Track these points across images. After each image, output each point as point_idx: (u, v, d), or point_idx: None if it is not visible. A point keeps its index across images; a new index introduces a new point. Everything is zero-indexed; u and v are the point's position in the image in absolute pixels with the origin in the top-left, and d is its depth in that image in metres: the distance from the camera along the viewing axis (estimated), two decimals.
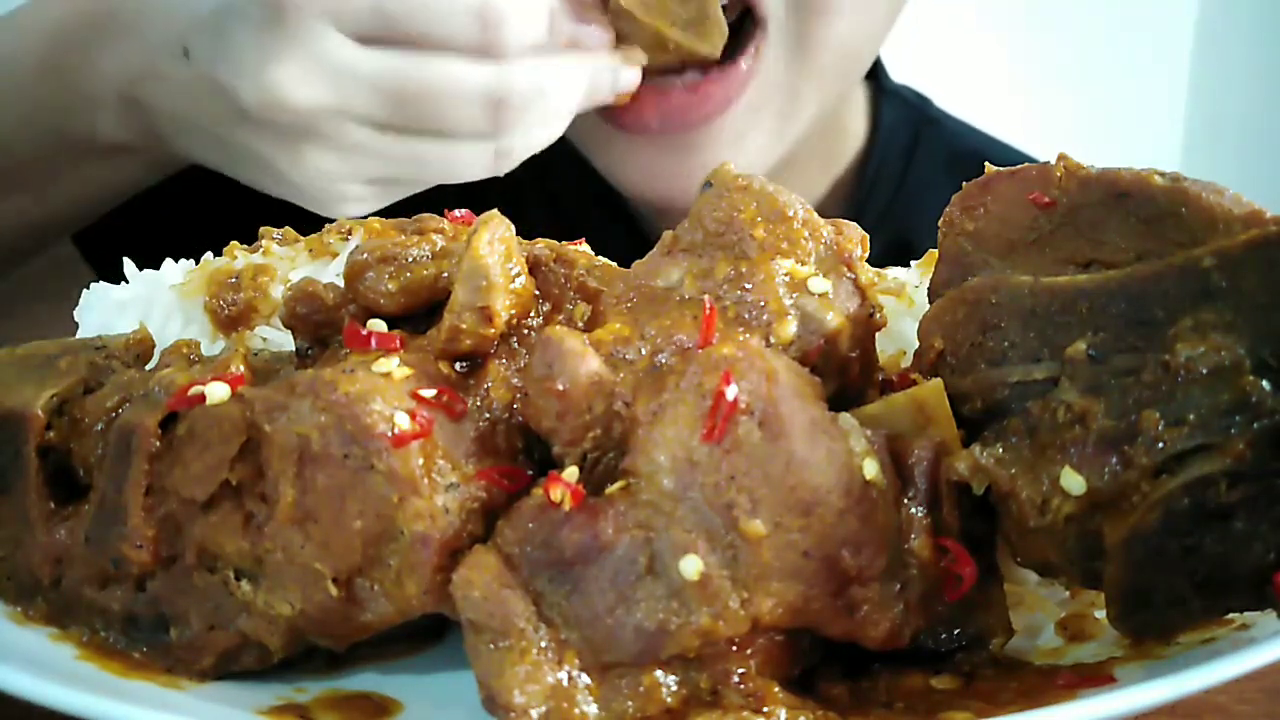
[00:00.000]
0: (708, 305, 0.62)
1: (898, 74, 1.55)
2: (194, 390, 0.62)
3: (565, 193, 1.44)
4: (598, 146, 1.26)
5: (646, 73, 1.12)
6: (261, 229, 0.87)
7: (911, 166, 1.47)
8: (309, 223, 0.89)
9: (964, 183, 0.68)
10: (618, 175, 1.27)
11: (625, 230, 1.44)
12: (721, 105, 1.16)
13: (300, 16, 0.93)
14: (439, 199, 0.97)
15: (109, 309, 0.83)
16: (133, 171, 1.21)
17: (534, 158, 1.49)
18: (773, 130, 1.22)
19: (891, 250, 0.86)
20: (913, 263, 0.80)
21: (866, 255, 0.69)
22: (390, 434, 0.58)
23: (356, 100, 0.96)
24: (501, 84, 0.98)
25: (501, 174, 1.05)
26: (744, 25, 1.16)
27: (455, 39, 0.96)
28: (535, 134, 1.04)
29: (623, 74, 1.09)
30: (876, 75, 1.52)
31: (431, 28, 0.96)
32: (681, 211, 1.18)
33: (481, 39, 0.96)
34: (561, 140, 1.41)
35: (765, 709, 0.56)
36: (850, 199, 1.46)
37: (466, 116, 0.98)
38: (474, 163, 1.02)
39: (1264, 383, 0.52)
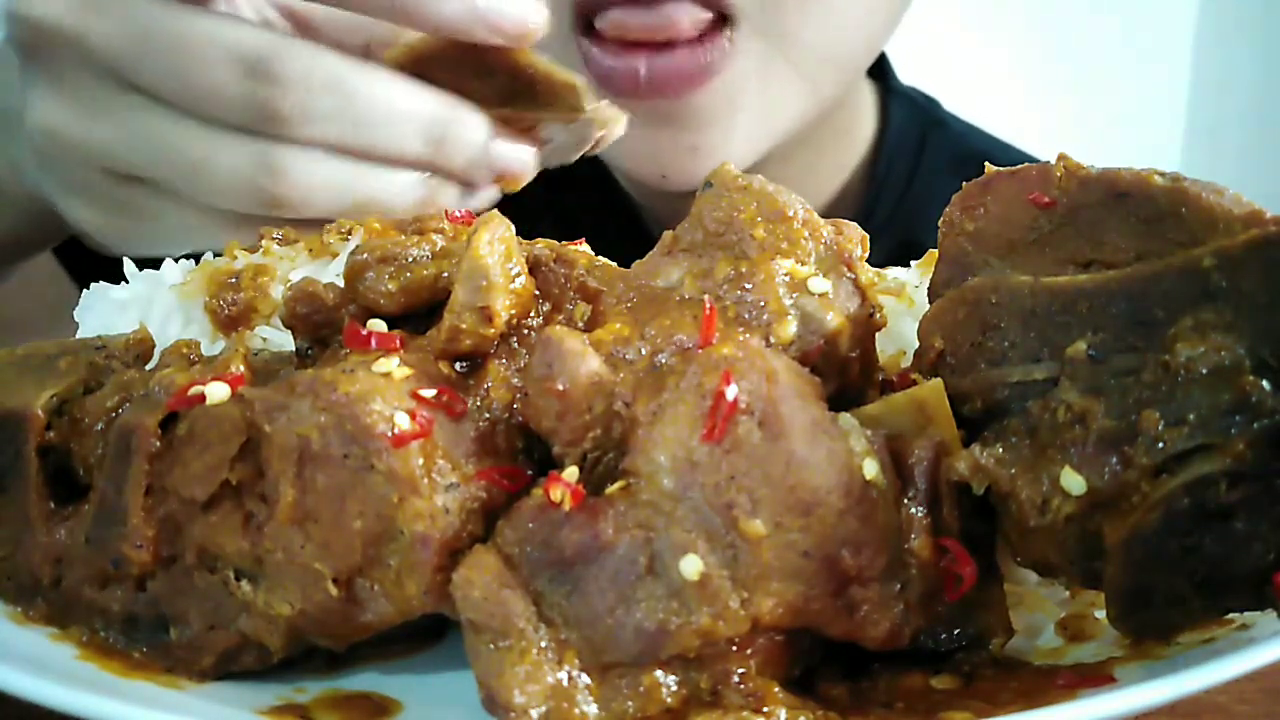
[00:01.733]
0: (708, 305, 0.62)
1: (900, 75, 1.56)
2: (194, 390, 0.62)
3: (565, 193, 1.44)
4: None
5: (629, 43, 1.09)
6: (261, 229, 0.87)
7: (919, 168, 1.47)
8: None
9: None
10: (612, 156, 1.25)
11: (625, 230, 1.44)
12: (705, 70, 1.13)
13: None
14: None
15: (109, 309, 0.83)
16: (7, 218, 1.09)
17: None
18: (758, 117, 1.21)
19: (900, 252, 0.86)
20: (913, 263, 0.80)
21: (866, 255, 0.69)
22: (390, 434, 0.58)
23: (100, 30, 0.81)
24: (272, 47, 0.81)
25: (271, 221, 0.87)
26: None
27: (217, 95, 0.81)
28: (327, 169, 0.85)
29: (500, 147, 0.89)
30: (885, 77, 1.52)
31: (189, 78, 0.81)
32: (676, 194, 1.19)
33: (251, 101, 0.81)
34: None
35: (765, 709, 0.56)
36: (859, 201, 1.46)
37: (228, 98, 0.81)
38: (222, 164, 0.84)
39: (1264, 383, 0.52)
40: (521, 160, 0.91)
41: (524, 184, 0.92)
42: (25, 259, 1.21)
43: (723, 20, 1.14)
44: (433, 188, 0.88)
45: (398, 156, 0.86)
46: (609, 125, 0.94)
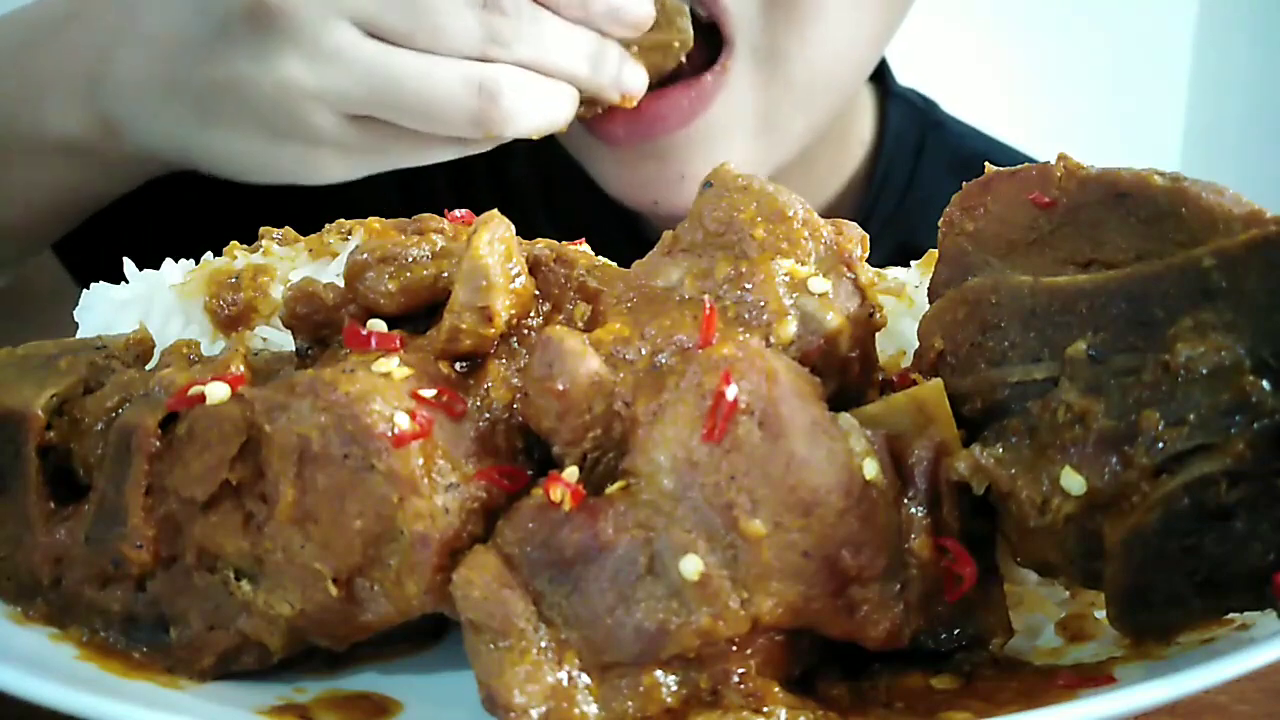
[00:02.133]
0: (708, 305, 0.62)
1: (898, 73, 1.55)
2: (194, 390, 0.62)
3: (565, 193, 1.44)
4: (581, 152, 1.26)
5: None
6: (261, 229, 0.87)
7: (918, 170, 1.47)
8: (308, 224, 0.89)
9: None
10: (601, 180, 1.26)
11: (625, 230, 1.44)
12: (687, 116, 1.15)
13: None
14: (439, 199, 0.96)
15: (109, 309, 0.83)
16: (86, 175, 1.16)
17: (534, 158, 1.48)
18: (752, 143, 1.21)
19: (899, 253, 0.86)
20: (913, 263, 0.80)
21: (866, 255, 0.69)
22: (390, 434, 0.58)
23: None
24: (492, 88, 0.96)
25: (484, 142, 1.02)
26: (712, 40, 1.15)
27: (452, 29, 0.95)
28: (533, 87, 1.01)
29: (628, 70, 1.07)
30: (883, 79, 1.52)
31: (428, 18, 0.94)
32: (668, 216, 1.20)
33: (480, 28, 0.95)
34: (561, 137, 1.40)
35: (765, 709, 0.56)
36: (858, 204, 1.46)
37: (460, 28, 0.95)
38: (452, 83, 0.97)
39: (1264, 383, 0.52)
40: (642, 81, 1.08)
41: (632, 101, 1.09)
42: (93, 211, 1.25)
43: (717, 49, 1.15)
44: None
45: (569, 76, 1.02)
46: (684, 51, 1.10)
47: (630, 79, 1.07)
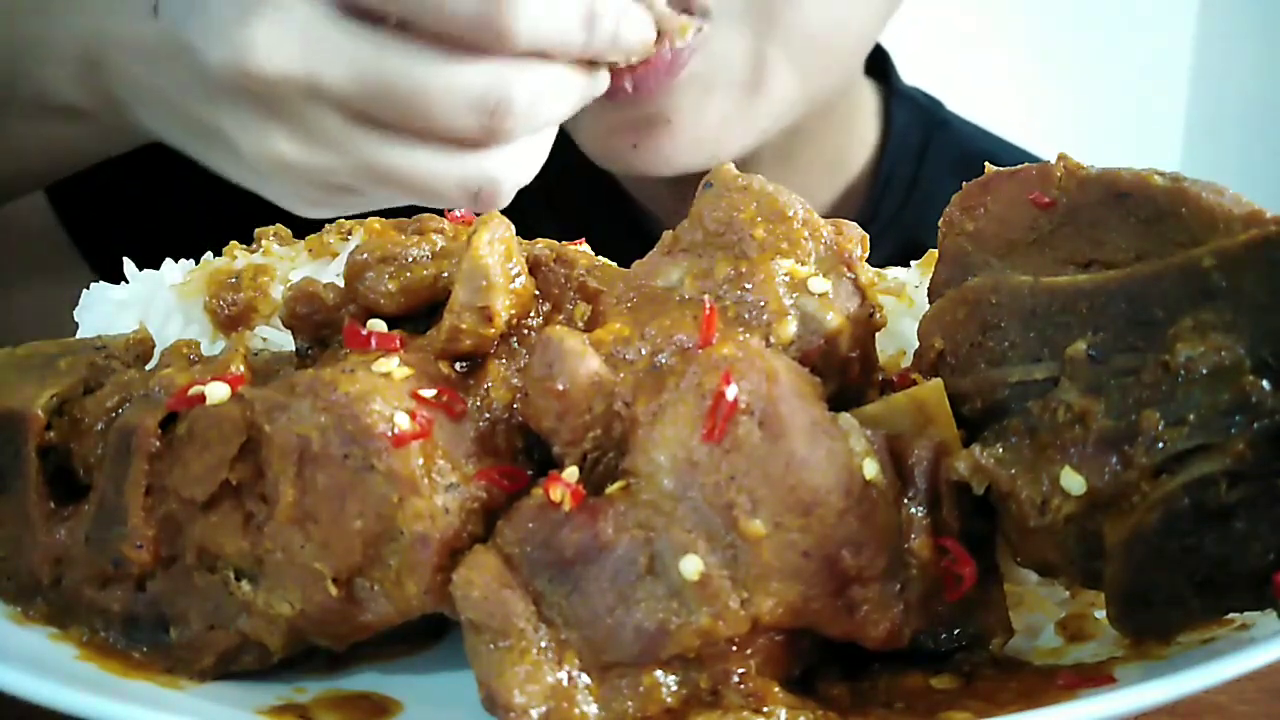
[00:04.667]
0: (708, 305, 0.62)
1: (900, 74, 1.55)
2: (194, 390, 0.62)
3: (565, 192, 1.44)
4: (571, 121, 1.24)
5: None
6: (258, 230, 0.87)
7: (922, 170, 1.46)
8: (307, 224, 0.89)
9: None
10: (577, 132, 1.23)
11: (625, 231, 1.44)
12: (672, 67, 1.10)
13: None
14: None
15: (109, 309, 0.83)
16: (85, 138, 1.13)
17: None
18: (739, 95, 1.18)
19: (904, 254, 0.85)
20: (913, 263, 0.80)
21: (866, 255, 0.69)
22: (390, 434, 0.58)
23: (331, 74, 0.86)
24: (502, 82, 0.88)
25: (480, 211, 0.95)
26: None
27: (455, 20, 0.86)
28: (526, 157, 0.94)
29: (602, 77, 1.00)
30: (888, 78, 1.51)
31: (425, 4, 0.86)
32: (646, 165, 1.18)
33: (485, 21, 0.86)
34: (560, 138, 1.39)
35: (765, 709, 0.56)
36: (862, 204, 1.45)
37: (455, 114, 0.88)
38: (447, 183, 0.91)
39: (1264, 383, 0.52)
40: (645, 32, 0.99)
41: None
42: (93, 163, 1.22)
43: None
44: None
45: (561, 51, 0.92)
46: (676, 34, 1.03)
47: (602, 85, 0.98)
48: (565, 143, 1.48)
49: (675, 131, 1.15)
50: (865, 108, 1.48)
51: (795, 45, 1.17)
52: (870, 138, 1.48)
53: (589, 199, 1.43)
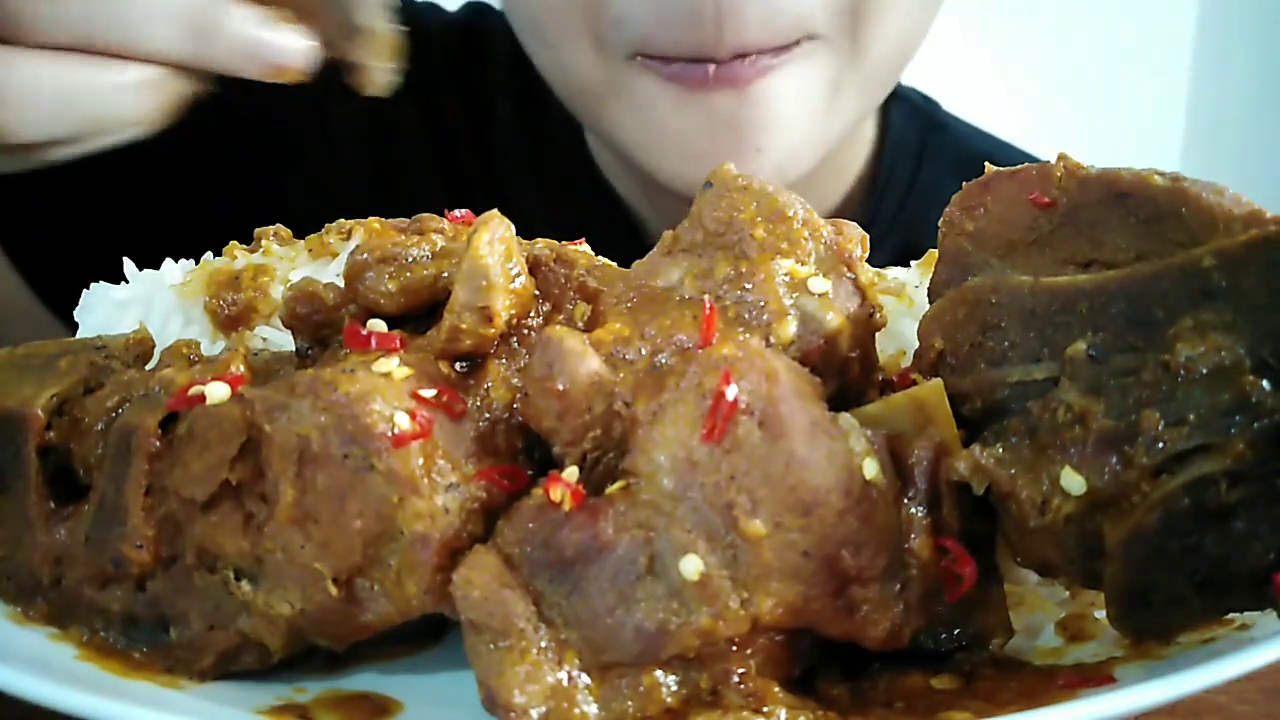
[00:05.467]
0: (708, 305, 0.62)
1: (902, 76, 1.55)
2: (194, 390, 0.62)
3: (562, 201, 1.44)
4: (643, 130, 1.22)
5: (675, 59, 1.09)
6: (258, 230, 0.87)
7: (920, 172, 1.47)
8: (307, 224, 0.89)
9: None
10: (659, 161, 1.23)
11: (624, 231, 1.44)
12: (763, 69, 1.13)
13: None
14: (434, 203, 0.96)
15: (109, 309, 0.83)
16: None
17: (533, 157, 1.47)
18: (823, 120, 1.21)
19: (903, 256, 0.85)
20: (913, 263, 0.80)
21: (866, 255, 0.69)
22: (390, 434, 0.58)
23: None
24: None
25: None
26: None
27: None
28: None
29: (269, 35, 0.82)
30: None
31: None
32: (677, 203, 1.18)
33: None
34: (559, 139, 1.40)
35: (765, 709, 0.56)
36: (862, 206, 1.45)
37: None
38: None
39: (1264, 383, 0.52)
40: (294, 49, 0.83)
41: (298, 76, 0.85)
42: None
43: None
44: (174, 87, 0.82)
45: (156, 53, 0.80)
46: (381, 59, 0.87)
47: (275, 43, 0.82)
48: (563, 154, 1.49)
49: (765, 157, 1.17)
50: None
51: (869, 71, 1.21)
52: (868, 140, 1.48)
53: (585, 207, 1.43)
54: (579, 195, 1.44)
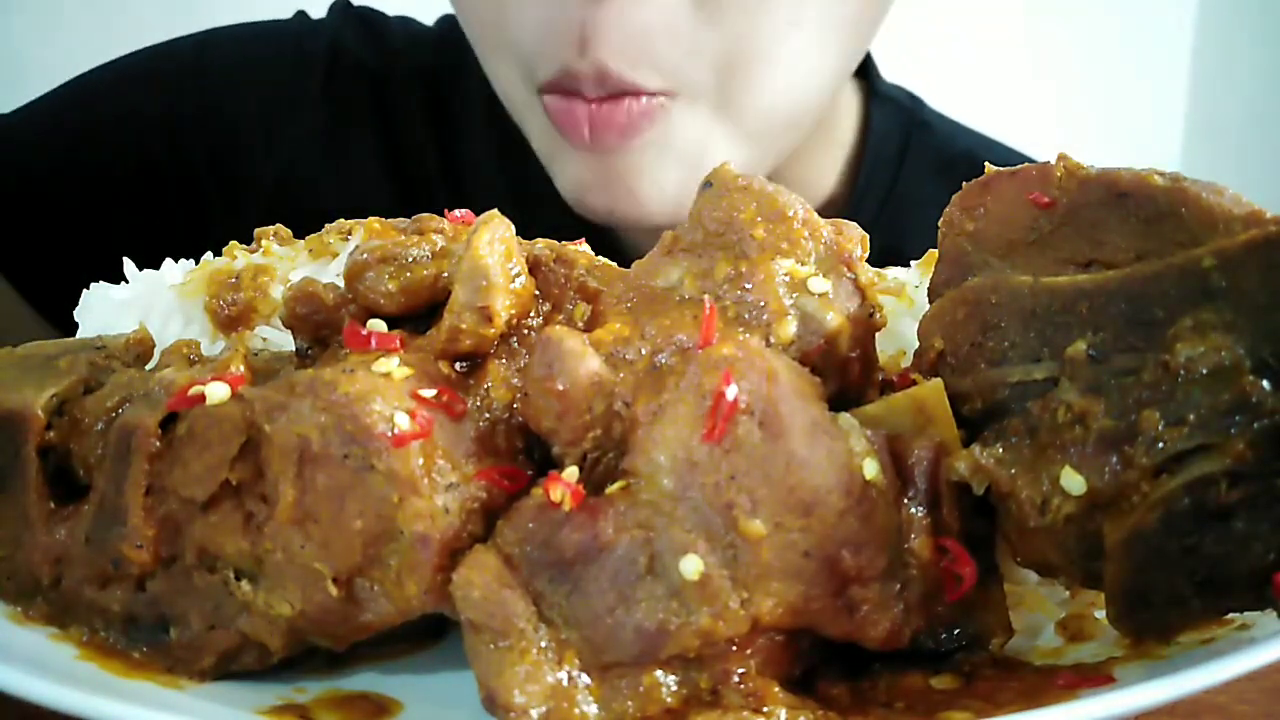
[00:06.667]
0: (708, 305, 0.62)
1: (895, 73, 1.55)
2: (194, 390, 0.62)
3: (536, 205, 1.44)
4: (550, 161, 1.25)
5: (566, 90, 1.11)
6: (258, 230, 0.87)
7: (902, 173, 1.45)
8: (307, 224, 0.89)
9: (955, 184, 0.68)
10: (560, 187, 1.26)
11: (598, 243, 1.44)
12: (627, 130, 1.13)
13: None
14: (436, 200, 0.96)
15: (109, 309, 0.83)
16: None
17: (503, 168, 1.47)
18: (691, 175, 1.16)
19: (883, 256, 0.85)
20: (913, 263, 0.80)
21: (866, 255, 0.69)
22: (390, 434, 0.58)
23: None
24: None
25: None
26: None
27: None
28: None
29: None
30: (868, 77, 1.50)
31: None
32: (622, 224, 1.18)
33: None
34: (530, 151, 1.40)
35: (765, 709, 0.56)
36: (842, 205, 1.44)
37: None
38: None
39: (1264, 383, 0.52)
40: None
41: None
42: None
43: None
44: None
45: None
46: None
47: None
48: (534, 166, 1.48)
49: (640, 200, 1.18)
50: (844, 109, 1.46)
51: (751, 123, 1.19)
52: (848, 140, 1.46)
53: (561, 222, 1.43)
54: (550, 207, 1.44)
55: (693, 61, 1.12)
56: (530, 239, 0.71)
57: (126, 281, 0.85)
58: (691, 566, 0.55)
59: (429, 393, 0.60)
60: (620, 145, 1.14)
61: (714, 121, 1.17)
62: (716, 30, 1.11)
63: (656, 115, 1.13)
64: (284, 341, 0.77)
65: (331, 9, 1.54)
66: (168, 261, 0.85)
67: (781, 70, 1.16)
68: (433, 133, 1.48)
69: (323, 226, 0.85)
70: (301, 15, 1.54)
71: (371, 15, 1.55)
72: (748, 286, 0.64)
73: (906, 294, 0.77)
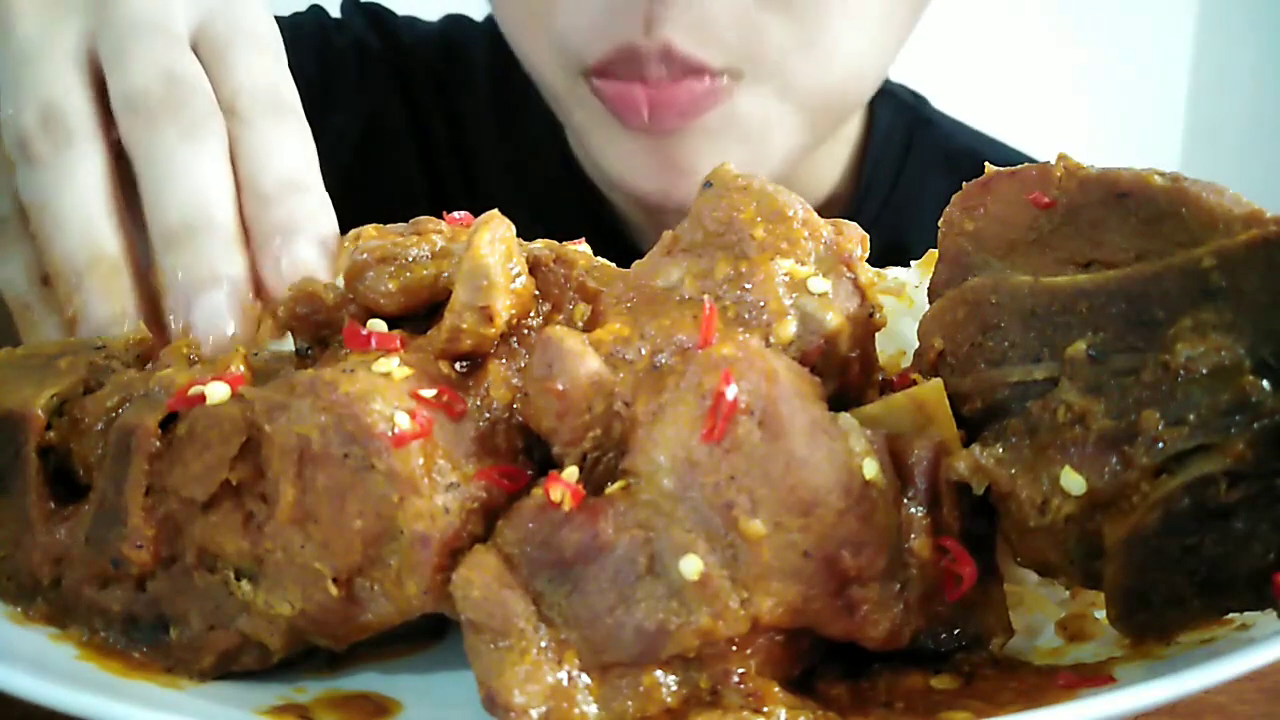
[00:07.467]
0: (708, 305, 0.62)
1: (896, 72, 1.55)
2: (194, 390, 0.62)
3: (545, 198, 1.44)
4: (597, 146, 1.26)
5: (622, 73, 1.11)
6: None
7: (905, 169, 1.46)
8: None
9: (958, 181, 0.68)
10: (617, 173, 1.26)
11: (611, 234, 1.44)
12: (707, 97, 1.14)
13: None
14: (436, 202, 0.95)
15: None
16: None
17: (512, 162, 1.48)
18: (754, 149, 1.21)
19: (887, 254, 0.86)
20: (913, 263, 0.80)
21: (866, 255, 0.69)
22: (390, 434, 0.58)
23: None
24: None
25: None
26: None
27: None
28: None
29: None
30: None
31: None
32: (663, 209, 1.19)
33: None
34: (539, 145, 1.40)
35: (765, 709, 0.56)
36: (845, 203, 1.45)
37: None
38: None
39: (1264, 383, 0.52)
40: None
41: None
42: None
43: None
44: None
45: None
46: None
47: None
48: (543, 159, 1.49)
49: (699, 182, 1.17)
50: None
51: (809, 102, 1.20)
52: (852, 137, 1.47)
53: (574, 213, 1.43)
54: (561, 200, 1.44)
55: (758, 41, 1.13)
56: (531, 239, 0.71)
57: None
58: (691, 566, 0.55)
59: (429, 393, 0.60)
60: (680, 126, 1.14)
61: (777, 102, 1.18)
62: (782, 11, 1.12)
63: (720, 96, 1.14)
64: (284, 341, 0.77)
65: (344, 6, 1.54)
66: None
67: (842, 52, 1.17)
68: (447, 132, 1.49)
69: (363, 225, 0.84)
70: (317, 10, 1.54)
71: (383, 11, 1.55)
72: (748, 286, 0.64)
73: (906, 294, 0.77)
